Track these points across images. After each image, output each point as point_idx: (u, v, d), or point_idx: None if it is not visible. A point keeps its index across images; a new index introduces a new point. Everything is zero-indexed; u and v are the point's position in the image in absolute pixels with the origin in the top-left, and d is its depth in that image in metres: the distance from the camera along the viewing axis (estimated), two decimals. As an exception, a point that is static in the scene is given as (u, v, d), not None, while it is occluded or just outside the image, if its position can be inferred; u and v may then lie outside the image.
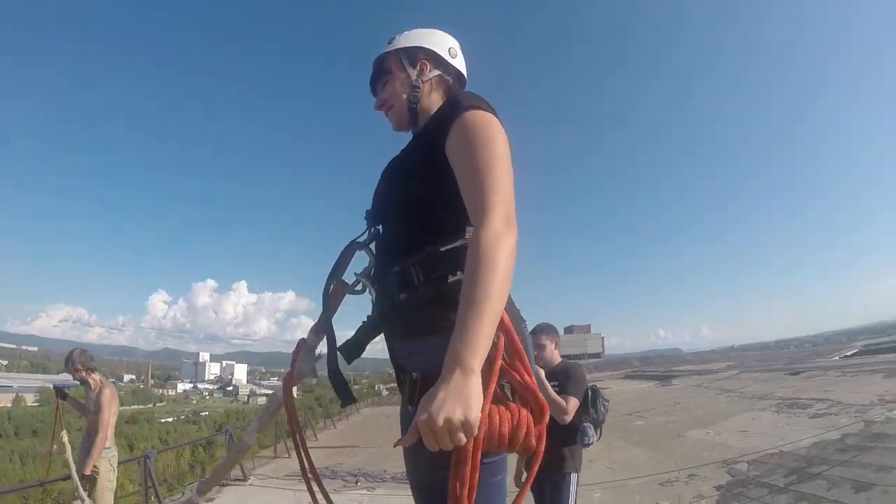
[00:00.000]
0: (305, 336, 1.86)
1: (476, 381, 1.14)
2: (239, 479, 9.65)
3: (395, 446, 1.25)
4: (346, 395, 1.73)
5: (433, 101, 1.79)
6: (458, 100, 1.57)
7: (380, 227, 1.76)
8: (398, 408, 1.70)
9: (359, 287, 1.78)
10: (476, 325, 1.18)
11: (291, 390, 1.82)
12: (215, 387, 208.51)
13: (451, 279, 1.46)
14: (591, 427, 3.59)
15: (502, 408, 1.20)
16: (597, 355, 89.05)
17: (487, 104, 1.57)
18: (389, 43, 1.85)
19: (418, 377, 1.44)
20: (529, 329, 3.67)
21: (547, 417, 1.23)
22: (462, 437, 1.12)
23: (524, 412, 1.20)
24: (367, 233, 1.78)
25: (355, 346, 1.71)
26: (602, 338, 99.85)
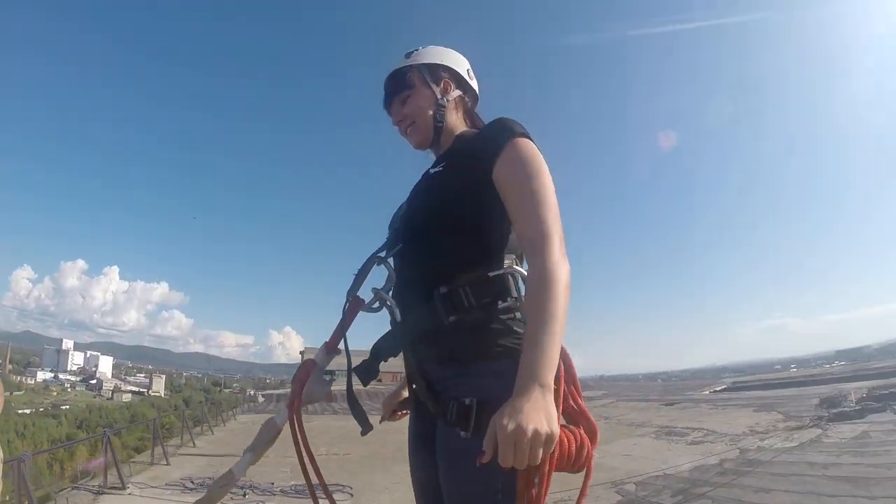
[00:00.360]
0: (312, 356, 1.74)
1: (551, 398, 1.19)
2: (116, 487, 8.82)
3: (479, 463, 1.18)
4: (365, 424, 1.64)
5: (455, 121, 1.78)
6: (507, 125, 1.54)
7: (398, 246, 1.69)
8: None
9: (376, 304, 1.69)
10: (548, 344, 1.23)
11: (300, 416, 1.67)
12: (78, 378, 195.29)
13: (500, 305, 1.46)
14: None
15: (567, 430, 1.25)
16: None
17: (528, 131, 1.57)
18: (407, 56, 1.79)
19: (473, 403, 1.37)
20: None
21: (598, 439, 1.32)
22: (541, 452, 1.13)
23: (583, 433, 1.28)
24: (386, 248, 1.71)
25: (372, 369, 1.66)
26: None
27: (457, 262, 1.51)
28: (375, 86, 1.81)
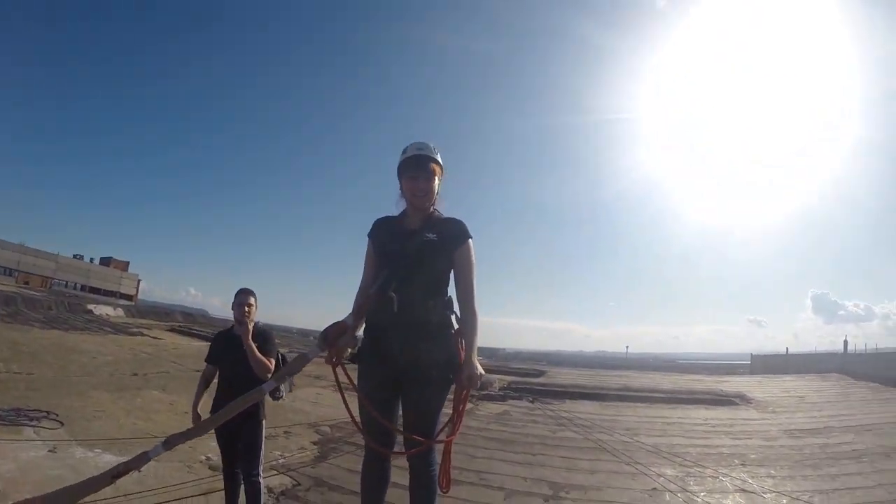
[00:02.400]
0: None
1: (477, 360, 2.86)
2: None
3: (454, 386, 2.93)
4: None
5: (436, 211, 3.19)
6: (467, 229, 3.09)
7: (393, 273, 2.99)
8: None
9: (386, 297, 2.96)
10: (476, 339, 2.93)
11: (339, 361, 2.95)
12: None
13: (449, 313, 3.06)
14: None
15: None
16: (129, 297, 76.85)
17: None
18: (434, 150, 3.11)
19: (443, 359, 2.93)
20: (237, 291, 4.40)
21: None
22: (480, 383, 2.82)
23: None
24: (393, 273, 2.97)
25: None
26: (139, 280, 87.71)
27: (438, 290, 3.08)
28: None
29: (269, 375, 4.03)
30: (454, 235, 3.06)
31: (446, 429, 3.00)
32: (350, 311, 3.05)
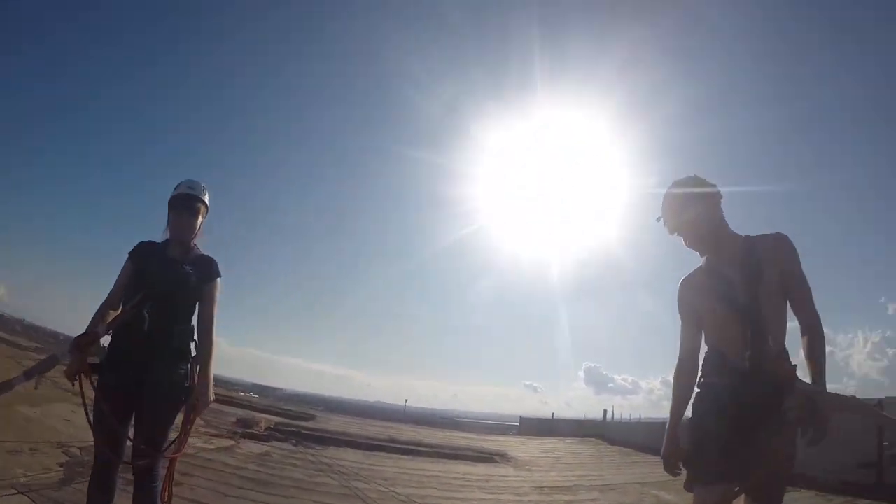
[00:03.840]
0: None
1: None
2: None
3: (191, 406, 3.16)
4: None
5: (196, 246, 3.54)
6: (218, 267, 3.48)
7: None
8: None
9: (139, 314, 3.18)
10: (212, 367, 3.22)
11: (81, 370, 2.98)
12: None
13: (189, 341, 3.32)
14: None
15: None
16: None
17: None
18: (203, 192, 3.47)
19: (182, 381, 3.21)
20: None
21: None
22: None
23: None
24: (147, 295, 3.21)
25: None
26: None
27: (185, 318, 3.34)
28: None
29: None
30: (207, 272, 3.42)
31: (172, 446, 3.19)
32: (92, 319, 3.20)
